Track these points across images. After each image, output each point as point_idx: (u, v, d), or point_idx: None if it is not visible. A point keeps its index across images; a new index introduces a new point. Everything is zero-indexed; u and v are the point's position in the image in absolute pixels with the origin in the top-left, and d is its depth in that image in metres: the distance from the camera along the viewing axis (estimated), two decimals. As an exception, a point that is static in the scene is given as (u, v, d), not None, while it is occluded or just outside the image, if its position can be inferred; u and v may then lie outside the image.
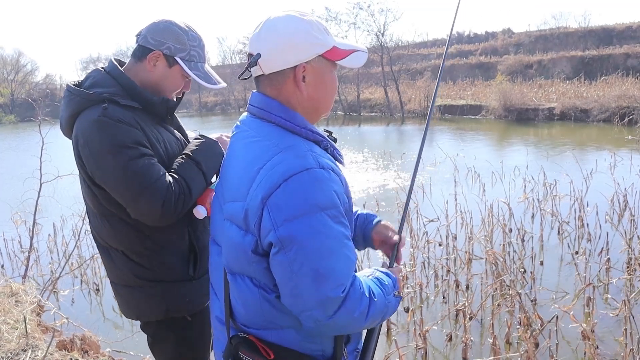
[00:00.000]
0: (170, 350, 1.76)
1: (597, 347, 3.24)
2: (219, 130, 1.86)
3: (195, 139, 1.74)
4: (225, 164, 1.28)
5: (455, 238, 5.38)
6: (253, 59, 1.17)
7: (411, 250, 5.02)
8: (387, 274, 1.23)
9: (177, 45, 1.61)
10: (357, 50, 1.23)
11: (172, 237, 1.64)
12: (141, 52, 1.63)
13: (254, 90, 1.25)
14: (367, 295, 1.10)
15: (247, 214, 1.09)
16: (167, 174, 1.56)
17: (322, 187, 1.05)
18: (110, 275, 1.74)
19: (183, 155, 1.65)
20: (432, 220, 5.91)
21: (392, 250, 1.38)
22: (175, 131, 1.76)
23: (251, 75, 1.22)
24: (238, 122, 1.29)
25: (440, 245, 5.39)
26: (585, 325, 3.27)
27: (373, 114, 26.43)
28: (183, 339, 1.74)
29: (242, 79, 1.22)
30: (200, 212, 1.64)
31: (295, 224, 1.03)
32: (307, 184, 1.04)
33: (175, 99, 1.76)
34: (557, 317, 3.34)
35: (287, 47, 1.15)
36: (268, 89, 1.20)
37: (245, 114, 1.28)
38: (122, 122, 1.53)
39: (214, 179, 1.76)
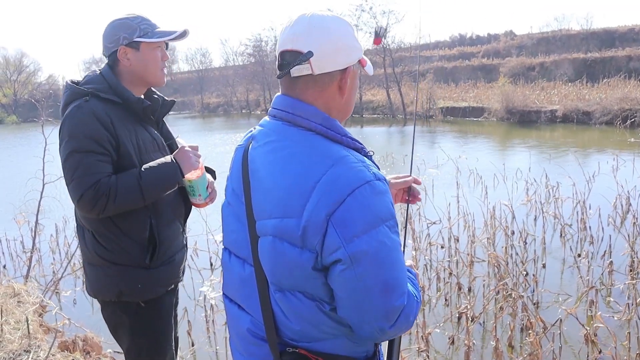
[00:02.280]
0: (127, 335, 1.91)
1: (600, 352, 3.23)
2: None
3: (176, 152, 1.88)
4: (253, 177, 1.16)
5: (458, 240, 5.38)
6: (303, 57, 1.08)
7: (413, 252, 5.02)
8: (409, 270, 1.23)
9: (127, 31, 1.80)
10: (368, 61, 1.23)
11: (134, 226, 1.81)
12: (111, 59, 1.85)
13: (279, 93, 1.17)
14: (415, 299, 1.13)
15: (305, 231, 1.03)
16: (108, 174, 1.72)
17: (383, 199, 1.05)
18: (82, 253, 1.92)
19: (143, 168, 1.79)
20: (434, 223, 5.90)
21: (403, 241, 1.40)
22: (156, 132, 1.93)
23: (285, 74, 1.12)
24: (259, 127, 1.20)
25: (442, 247, 5.39)
26: (588, 328, 3.26)
27: (375, 115, 26.42)
28: (136, 324, 1.88)
29: (279, 78, 1.14)
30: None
31: (364, 239, 1.01)
32: (370, 197, 1.03)
33: (158, 100, 1.94)
34: (561, 320, 3.33)
35: (340, 48, 1.11)
36: (309, 92, 1.12)
37: (266, 118, 1.20)
38: (94, 115, 1.72)
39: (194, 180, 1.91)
